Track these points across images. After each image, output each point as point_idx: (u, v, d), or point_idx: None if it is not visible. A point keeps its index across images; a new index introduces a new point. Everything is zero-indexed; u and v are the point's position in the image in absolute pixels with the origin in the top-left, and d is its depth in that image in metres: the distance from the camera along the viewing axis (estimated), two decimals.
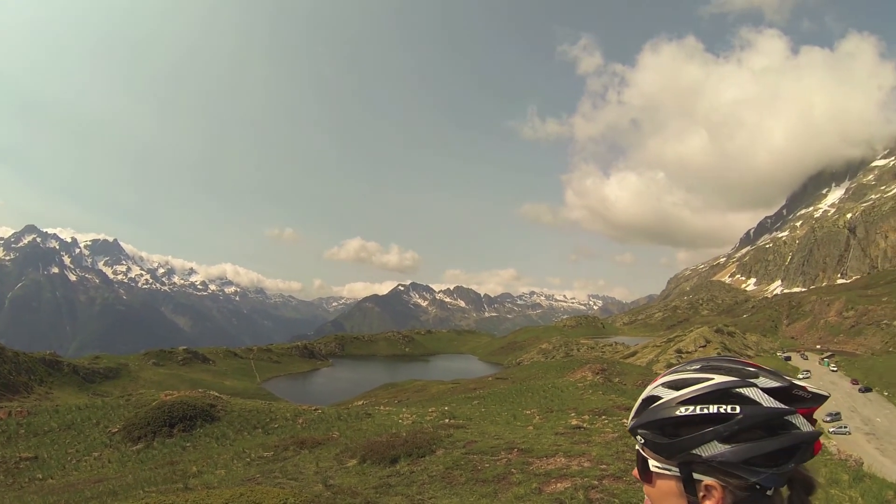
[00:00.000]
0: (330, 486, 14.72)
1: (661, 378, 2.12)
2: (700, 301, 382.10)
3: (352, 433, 26.14)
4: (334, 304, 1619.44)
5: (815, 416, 1.94)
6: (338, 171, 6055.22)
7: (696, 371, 2.06)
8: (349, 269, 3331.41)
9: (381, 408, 41.19)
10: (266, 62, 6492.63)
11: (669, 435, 1.99)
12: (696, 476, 1.93)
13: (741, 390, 1.93)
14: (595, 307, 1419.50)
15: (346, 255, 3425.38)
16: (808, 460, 1.92)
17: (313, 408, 39.22)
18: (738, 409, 1.90)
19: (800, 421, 1.90)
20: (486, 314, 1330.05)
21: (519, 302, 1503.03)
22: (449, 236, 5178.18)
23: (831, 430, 73.74)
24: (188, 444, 30.86)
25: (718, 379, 1.98)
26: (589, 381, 58.07)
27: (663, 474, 2.00)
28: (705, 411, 1.93)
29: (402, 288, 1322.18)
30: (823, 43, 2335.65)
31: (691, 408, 1.96)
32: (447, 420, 27.12)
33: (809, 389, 1.94)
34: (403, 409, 37.17)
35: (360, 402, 74.66)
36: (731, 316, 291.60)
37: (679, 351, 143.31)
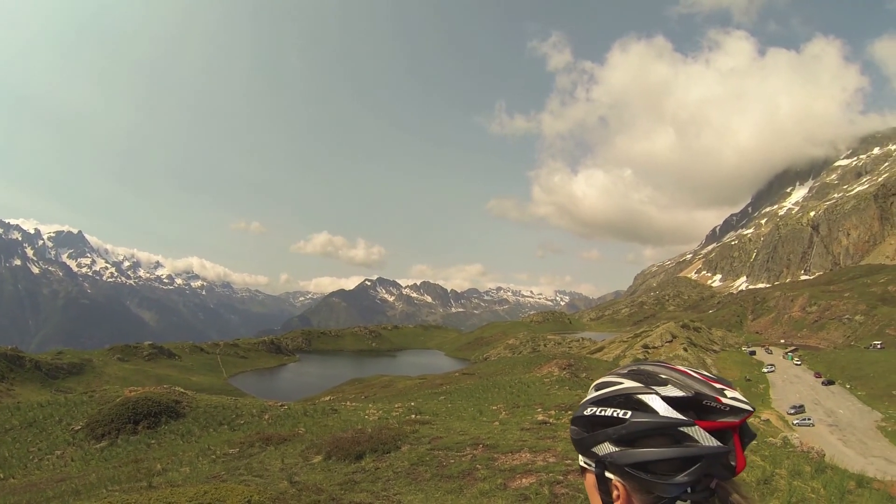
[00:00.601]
0: (295, 482, 14.65)
1: (599, 378, 2.18)
2: (666, 297, 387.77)
3: (318, 429, 26.01)
4: (301, 298, 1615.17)
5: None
6: (304, 165, 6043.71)
7: (620, 375, 2.12)
8: (316, 263, 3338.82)
9: (348, 403, 41.01)
10: (234, 56, 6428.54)
11: (586, 432, 2.07)
12: (606, 474, 2.00)
13: (641, 397, 1.97)
14: (562, 303, 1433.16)
15: (312, 249, 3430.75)
16: (725, 477, 1.91)
17: (279, 404, 39.00)
18: (628, 415, 1.95)
19: (699, 434, 1.87)
20: (453, 310, 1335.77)
21: (486, 297, 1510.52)
22: (415, 231, 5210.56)
23: (795, 422, 75.63)
24: (153, 442, 30.49)
25: (627, 384, 2.04)
26: (555, 377, 58.47)
27: (587, 469, 2.09)
28: (603, 413, 2.01)
29: (368, 283, 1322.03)
30: (790, 45, 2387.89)
31: (595, 409, 2.05)
32: (413, 416, 27.09)
33: (724, 402, 1.91)
34: (370, 405, 37.02)
35: (327, 398, 74.50)
36: (697, 311, 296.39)
37: (646, 346, 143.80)
